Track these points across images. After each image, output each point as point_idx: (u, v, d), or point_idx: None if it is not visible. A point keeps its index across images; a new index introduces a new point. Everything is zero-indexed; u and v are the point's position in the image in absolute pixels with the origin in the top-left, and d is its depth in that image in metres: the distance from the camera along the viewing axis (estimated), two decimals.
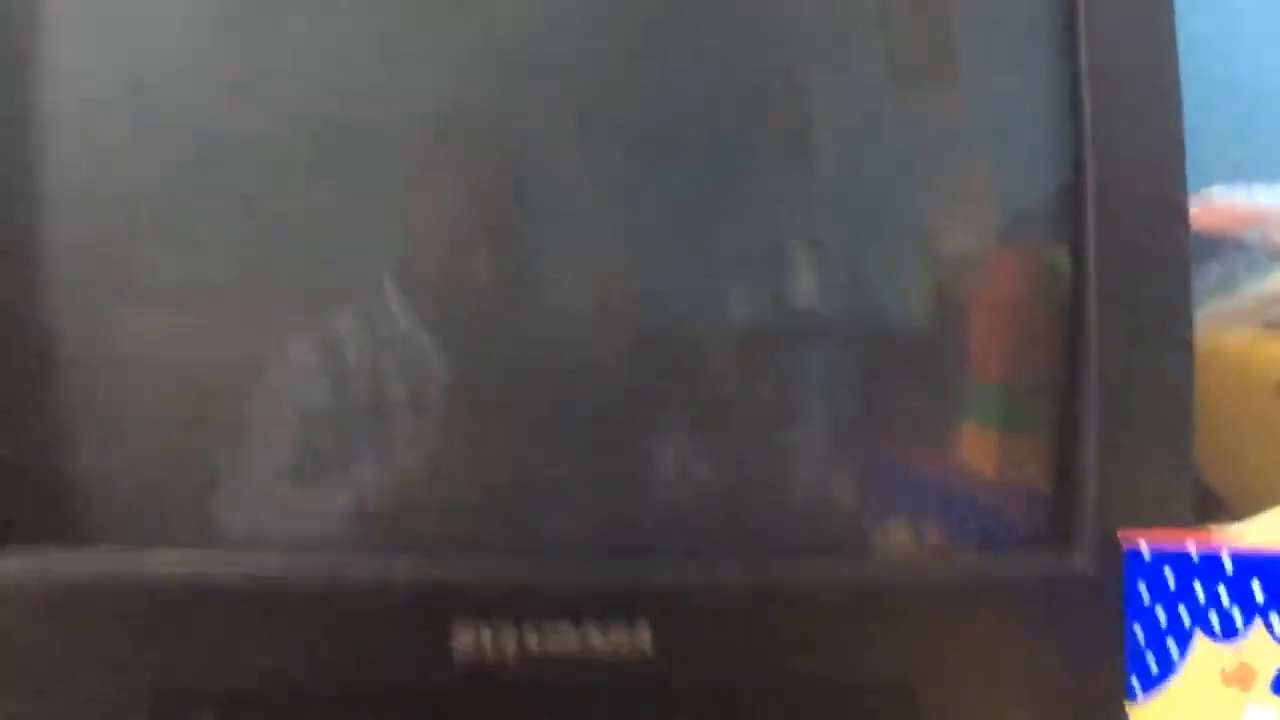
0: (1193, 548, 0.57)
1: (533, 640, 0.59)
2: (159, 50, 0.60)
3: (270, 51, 0.61)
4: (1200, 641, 0.56)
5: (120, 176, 0.60)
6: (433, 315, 0.61)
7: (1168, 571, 0.58)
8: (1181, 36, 0.63)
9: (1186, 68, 0.63)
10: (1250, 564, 0.55)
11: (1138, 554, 0.59)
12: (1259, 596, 0.54)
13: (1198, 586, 0.57)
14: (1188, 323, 0.62)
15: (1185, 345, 0.62)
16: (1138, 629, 0.58)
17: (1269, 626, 0.54)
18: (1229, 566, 0.55)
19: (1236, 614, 0.55)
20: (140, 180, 0.61)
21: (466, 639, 0.59)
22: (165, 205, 0.61)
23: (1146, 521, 0.60)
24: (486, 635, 0.59)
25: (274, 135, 0.61)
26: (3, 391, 0.59)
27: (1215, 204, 0.79)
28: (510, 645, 0.59)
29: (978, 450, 0.63)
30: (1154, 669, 0.58)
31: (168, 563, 0.59)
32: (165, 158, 0.61)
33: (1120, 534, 0.59)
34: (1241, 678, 0.55)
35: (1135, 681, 0.58)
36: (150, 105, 0.60)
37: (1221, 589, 0.56)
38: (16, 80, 0.59)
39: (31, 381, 0.60)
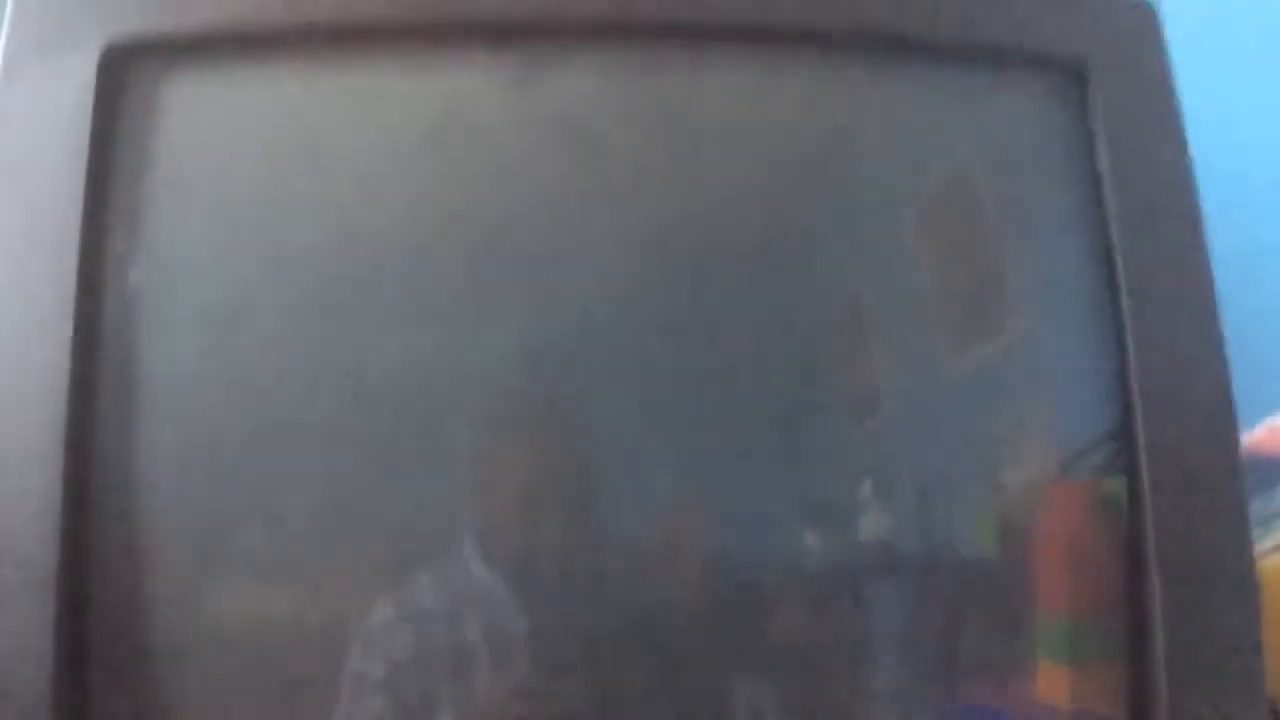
0: None
1: None
2: (253, 338, 0.64)
3: (355, 335, 0.65)
4: None
5: (215, 457, 0.64)
6: (510, 573, 0.64)
7: None
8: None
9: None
10: None
11: None
12: None
13: None
14: (1249, 547, 0.63)
15: (1248, 570, 0.63)
16: None
17: None
18: None
19: None
20: (233, 459, 0.64)
21: None
22: (257, 482, 0.64)
23: None
24: None
25: (360, 416, 0.64)
26: (106, 669, 0.61)
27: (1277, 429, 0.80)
28: None
29: (1049, 686, 0.63)
30: None
31: None
32: (258, 439, 0.64)
33: None
34: None
35: None
36: (244, 389, 0.64)
37: None
38: (123, 390, 0.63)
39: (133, 657, 0.62)
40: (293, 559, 0.64)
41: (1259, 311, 0.74)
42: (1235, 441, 0.64)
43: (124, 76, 0.64)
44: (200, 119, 0.66)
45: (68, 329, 0.62)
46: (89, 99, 0.63)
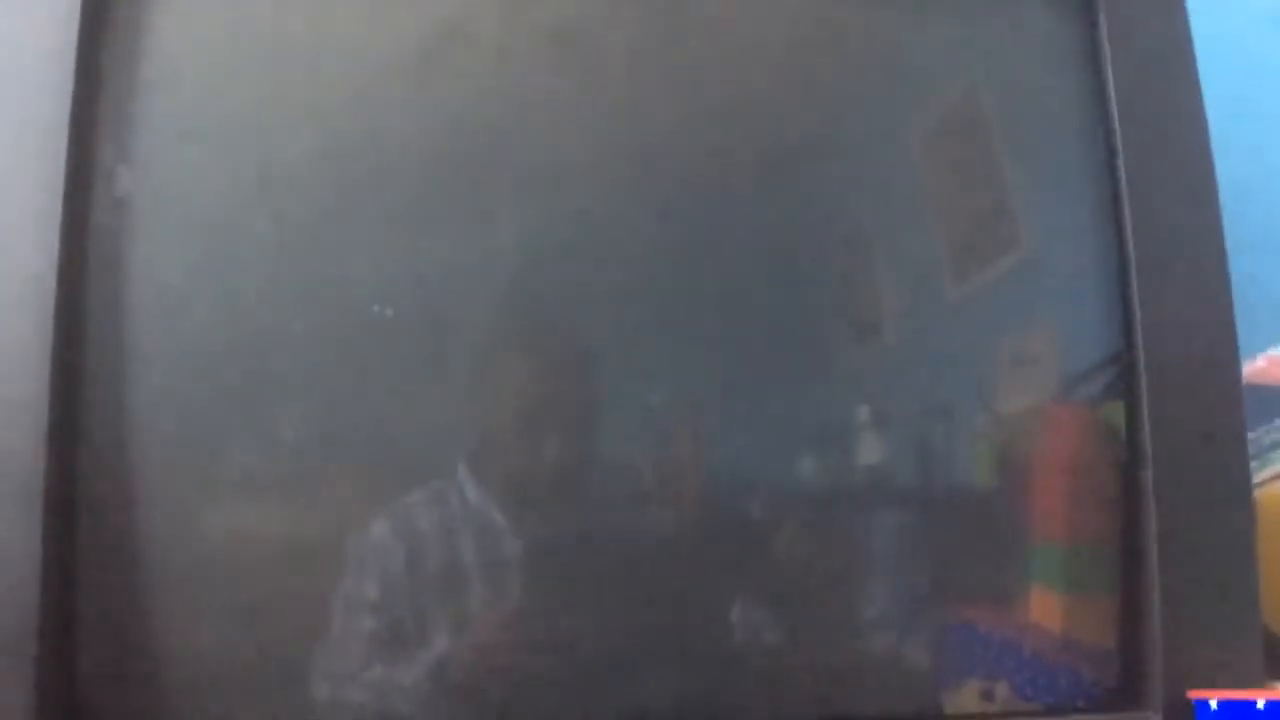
0: (1261, 701, 0.58)
1: None
2: (245, 249, 0.63)
3: (348, 248, 0.64)
4: None
5: (206, 369, 0.63)
6: (503, 495, 0.63)
7: None
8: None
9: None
10: None
11: (1206, 709, 0.59)
12: None
13: None
14: (1246, 477, 0.63)
15: (1245, 499, 0.63)
16: None
17: None
18: None
19: None
20: (230, 382, 0.63)
21: None
22: (248, 396, 0.63)
23: (1215, 678, 0.60)
24: None
25: (352, 332, 0.63)
26: (90, 574, 0.61)
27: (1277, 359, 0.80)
28: None
29: (1044, 612, 0.63)
30: None
31: None
32: (253, 362, 0.63)
33: (1190, 693, 0.60)
34: None
35: None
36: (235, 300, 0.63)
37: None
38: (112, 288, 0.62)
39: (119, 565, 0.61)
40: (283, 477, 0.63)
41: (1263, 241, 0.73)
42: (1236, 370, 0.64)
43: None
44: (192, 24, 0.64)
45: (55, 238, 0.61)
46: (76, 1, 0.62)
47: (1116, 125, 0.65)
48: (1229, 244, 0.64)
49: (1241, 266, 0.64)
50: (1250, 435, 0.65)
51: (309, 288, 0.63)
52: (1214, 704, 0.59)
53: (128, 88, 0.63)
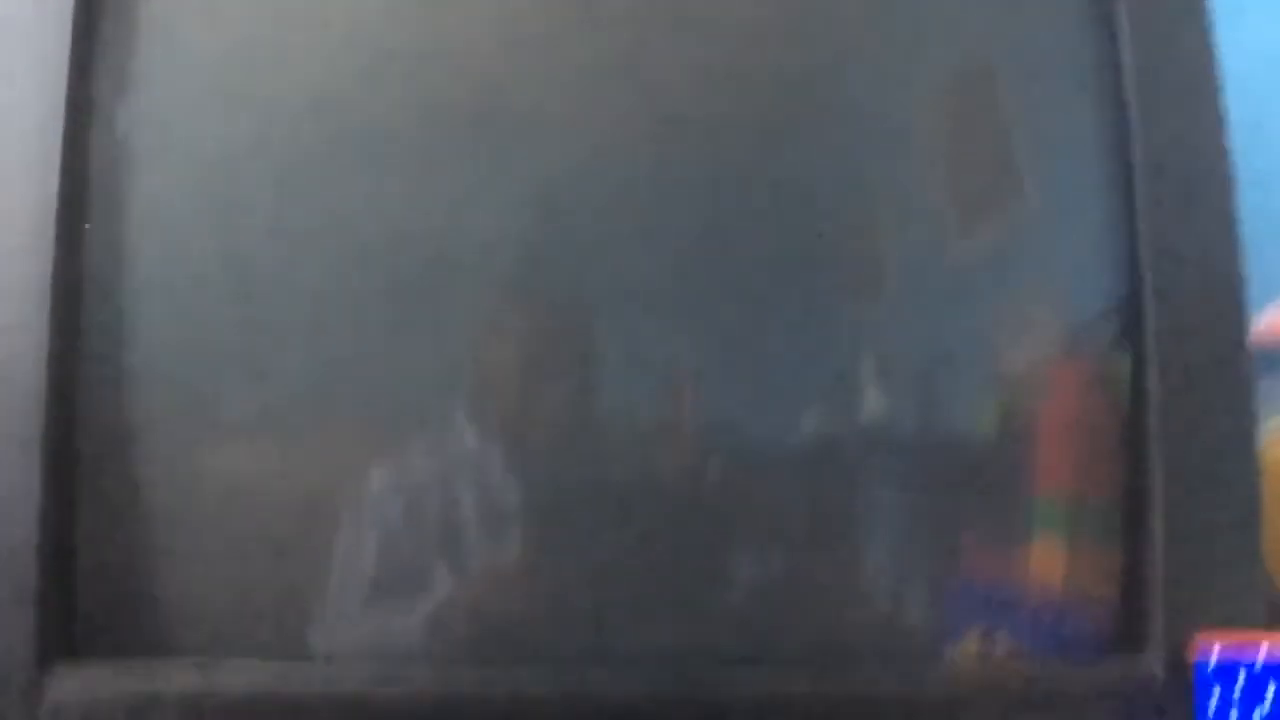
0: (1264, 653, 0.58)
1: None
2: (248, 202, 0.63)
3: (349, 192, 0.63)
4: None
5: (205, 312, 0.63)
6: (503, 444, 0.63)
7: (1239, 676, 0.58)
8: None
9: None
10: None
11: (1207, 655, 0.59)
12: None
13: (1269, 690, 0.57)
14: (1252, 428, 0.63)
15: (1250, 451, 0.62)
16: None
17: None
18: None
19: None
20: (228, 323, 0.63)
21: None
22: (251, 346, 0.63)
23: (1218, 627, 0.60)
24: None
25: (354, 281, 0.63)
26: (90, 508, 0.61)
27: None
28: None
29: (1047, 561, 0.63)
30: None
31: (245, 677, 0.61)
32: (253, 304, 0.63)
33: (1191, 641, 0.60)
34: None
35: None
36: (235, 244, 0.63)
37: None
38: (111, 238, 0.62)
39: (119, 501, 0.62)
40: (283, 421, 0.63)
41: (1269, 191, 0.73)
42: (1244, 324, 0.63)
43: None
44: None
45: (54, 181, 0.61)
46: None
47: (1129, 77, 0.64)
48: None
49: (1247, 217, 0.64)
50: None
51: (309, 231, 0.63)
52: (1215, 651, 0.59)
53: (127, 26, 0.63)
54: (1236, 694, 0.58)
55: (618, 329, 0.64)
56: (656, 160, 0.64)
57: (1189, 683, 0.60)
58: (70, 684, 0.59)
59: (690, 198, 0.64)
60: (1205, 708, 0.59)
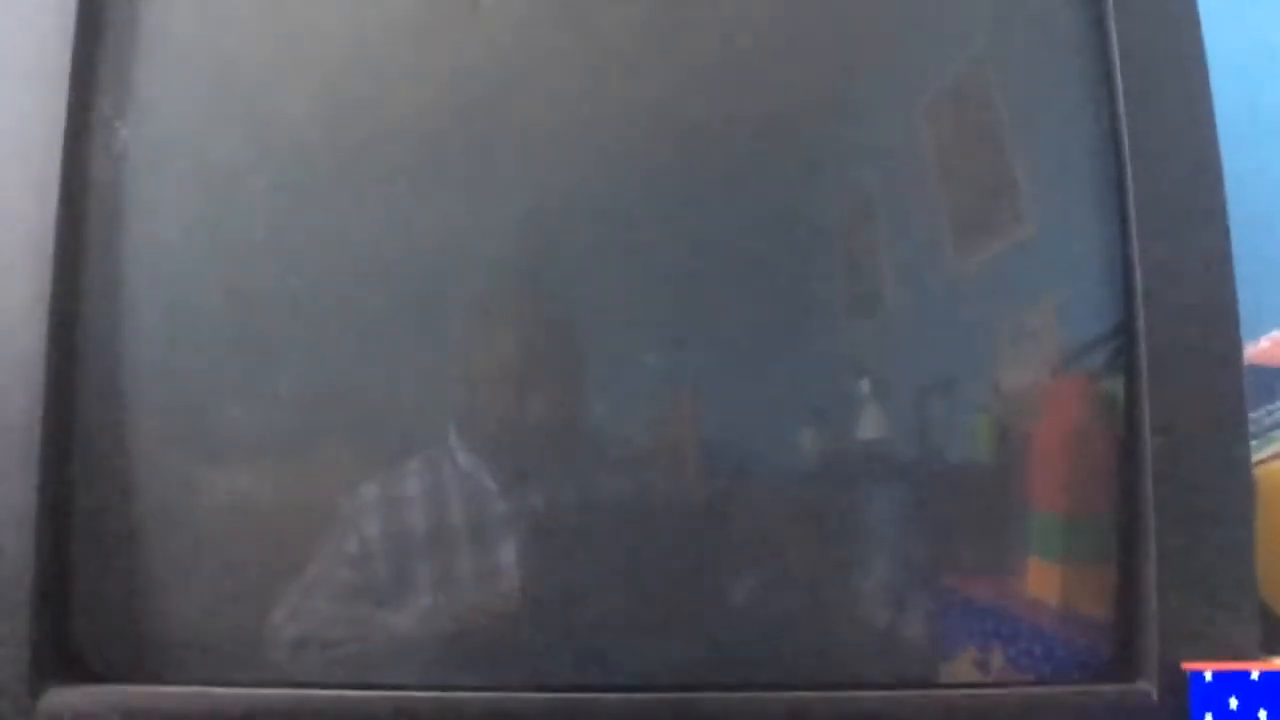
0: (1257, 676, 0.58)
1: None
2: (239, 221, 0.64)
3: (349, 214, 0.64)
4: None
5: (200, 326, 0.63)
6: (494, 461, 0.63)
7: (1233, 700, 0.58)
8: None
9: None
10: None
11: (1201, 680, 0.59)
12: None
13: (1262, 715, 0.57)
14: (1245, 452, 0.63)
15: (1244, 474, 0.62)
16: None
17: None
18: None
19: None
20: (225, 340, 0.63)
21: None
22: (250, 366, 0.63)
23: (1212, 651, 0.60)
24: None
25: (354, 293, 0.63)
26: (84, 531, 0.61)
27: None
28: None
29: (1041, 582, 0.63)
30: None
31: (238, 699, 0.61)
32: (243, 311, 0.63)
33: (1185, 664, 0.60)
34: None
35: None
36: (231, 260, 0.64)
37: None
38: (109, 254, 0.63)
39: (114, 524, 0.62)
40: (276, 438, 0.63)
41: (1266, 221, 0.73)
42: (1237, 346, 0.63)
43: None
44: None
45: (54, 191, 0.61)
46: None
47: (1121, 98, 0.65)
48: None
49: (1244, 246, 0.64)
50: (1251, 416, 0.65)
51: (304, 248, 0.63)
52: (1209, 676, 0.59)
53: (128, 40, 0.63)
54: (1233, 714, 0.58)
55: (614, 346, 0.64)
56: (652, 177, 0.65)
57: (1183, 706, 0.59)
58: (63, 706, 0.59)
59: (686, 213, 0.65)
60: None
